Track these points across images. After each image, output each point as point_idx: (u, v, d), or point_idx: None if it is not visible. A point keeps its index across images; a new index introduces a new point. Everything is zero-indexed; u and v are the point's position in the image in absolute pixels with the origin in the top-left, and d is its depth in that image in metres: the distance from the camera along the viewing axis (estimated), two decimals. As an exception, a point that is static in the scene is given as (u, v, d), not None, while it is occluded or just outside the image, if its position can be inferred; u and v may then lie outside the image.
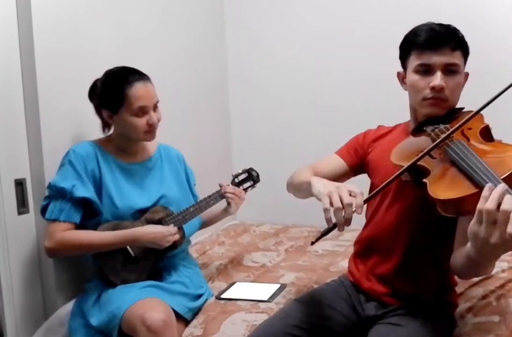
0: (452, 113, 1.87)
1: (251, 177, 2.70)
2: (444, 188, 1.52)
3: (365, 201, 1.64)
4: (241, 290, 2.54)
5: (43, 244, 2.27)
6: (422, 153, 1.63)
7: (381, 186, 1.64)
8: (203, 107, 3.71)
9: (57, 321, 2.34)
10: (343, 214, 1.59)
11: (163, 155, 2.58)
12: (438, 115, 1.85)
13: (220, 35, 3.98)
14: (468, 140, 1.69)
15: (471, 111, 1.85)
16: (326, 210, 1.62)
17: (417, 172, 1.67)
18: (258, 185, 2.75)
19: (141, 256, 2.36)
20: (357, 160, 2.12)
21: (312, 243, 1.75)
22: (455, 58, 1.81)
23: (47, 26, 2.37)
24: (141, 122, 2.30)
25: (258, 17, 3.96)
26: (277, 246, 3.26)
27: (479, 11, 3.41)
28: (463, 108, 1.90)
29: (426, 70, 1.82)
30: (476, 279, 2.37)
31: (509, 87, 1.57)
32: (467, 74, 1.91)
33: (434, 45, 1.79)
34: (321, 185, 1.75)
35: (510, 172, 1.41)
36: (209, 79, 3.82)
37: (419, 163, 1.65)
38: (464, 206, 1.44)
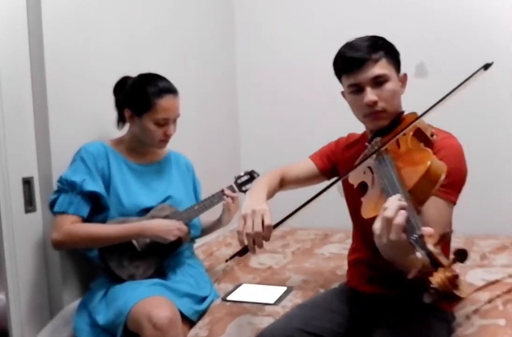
0: (396, 120, 1.88)
1: (253, 179, 2.71)
2: (370, 207, 1.57)
3: (274, 227, 1.72)
4: (248, 292, 2.53)
5: (50, 237, 2.28)
6: (343, 177, 1.77)
7: (299, 207, 1.71)
8: (212, 108, 3.72)
9: (63, 320, 2.35)
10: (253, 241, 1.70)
11: (173, 161, 2.64)
12: (384, 126, 1.88)
13: (230, 35, 3.98)
14: (399, 147, 1.73)
15: (412, 113, 1.87)
16: (238, 232, 1.74)
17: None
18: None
19: (147, 252, 2.37)
20: (329, 166, 2.24)
21: (226, 260, 1.86)
22: (380, 68, 1.83)
23: (56, 23, 2.38)
24: (159, 131, 2.39)
25: (268, 17, 3.96)
26: (284, 248, 3.26)
27: (481, 11, 3.42)
28: (403, 112, 1.92)
29: (357, 89, 1.86)
30: (481, 284, 2.38)
31: (445, 97, 1.70)
32: (404, 76, 1.94)
33: (355, 64, 1.83)
34: (246, 204, 1.83)
35: (411, 187, 1.48)
36: (218, 79, 3.83)
37: (362, 180, 1.75)
38: None
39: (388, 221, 1.34)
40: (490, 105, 3.45)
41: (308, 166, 2.25)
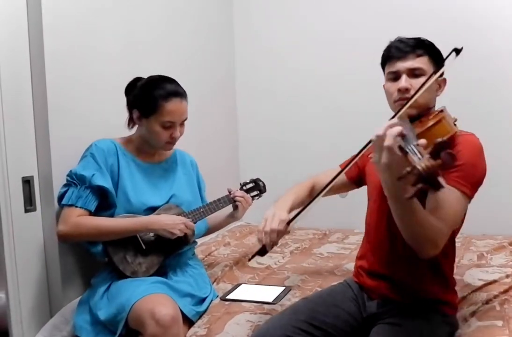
0: (420, 113, 1.93)
1: (258, 186, 2.82)
2: None
3: (288, 223, 1.96)
4: (246, 292, 2.54)
5: (56, 229, 2.30)
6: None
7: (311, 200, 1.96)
8: (211, 110, 3.72)
9: (63, 318, 2.36)
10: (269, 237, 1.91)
11: (179, 159, 2.67)
12: (410, 114, 1.90)
13: (229, 38, 3.99)
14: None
15: (440, 110, 1.93)
16: (258, 231, 1.96)
17: None
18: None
19: (151, 250, 2.40)
20: (357, 173, 2.27)
21: (249, 260, 2.08)
22: (420, 63, 1.92)
23: (57, 27, 2.38)
24: (165, 134, 2.41)
25: (266, 21, 3.97)
26: (283, 248, 3.27)
27: (474, 14, 3.43)
28: (431, 108, 1.99)
29: (395, 77, 1.96)
30: (479, 284, 2.40)
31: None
32: (444, 80, 2.01)
33: (398, 53, 1.95)
34: (270, 210, 2.02)
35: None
36: (217, 82, 3.83)
37: None
38: None
39: (380, 140, 1.50)
40: (491, 106, 3.46)
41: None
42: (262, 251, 1.95)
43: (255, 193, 2.80)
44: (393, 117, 1.80)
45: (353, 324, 1.99)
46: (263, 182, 2.81)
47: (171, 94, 2.39)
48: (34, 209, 2.34)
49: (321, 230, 3.66)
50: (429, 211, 1.72)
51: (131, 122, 2.52)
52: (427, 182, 1.28)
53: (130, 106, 2.47)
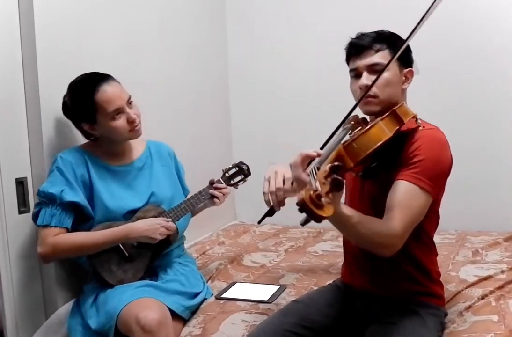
0: (386, 109, 1.88)
1: (242, 171, 2.66)
2: None
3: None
4: (241, 290, 2.54)
5: (37, 251, 2.24)
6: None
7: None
8: (205, 107, 3.73)
9: (57, 321, 2.34)
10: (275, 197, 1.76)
11: (153, 152, 2.56)
12: (374, 111, 1.93)
13: (222, 35, 3.99)
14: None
15: (400, 105, 1.86)
16: (264, 194, 1.80)
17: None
18: (258, 184, 2.75)
19: (135, 255, 2.36)
20: None
21: (259, 222, 1.96)
22: (379, 58, 1.92)
23: (49, 27, 2.37)
24: (121, 123, 2.28)
25: (260, 18, 3.96)
26: (277, 247, 3.27)
27: (476, 15, 3.44)
28: (395, 104, 1.91)
29: (356, 75, 1.97)
30: (474, 279, 2.40)
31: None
32: (409, 71, 1.98)
33: (356, 50, 1.97)
34: (269, 169, 1.87)
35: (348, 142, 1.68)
36: (211, 79, 3.83)
37: None
38: None
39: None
40: (491, 106, 3.47)
41: None
42: (271, 212, 1.83)
43: (239, 178, 2.65)
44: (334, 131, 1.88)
45: (344, 323, 1.98)
46: (246, 165, 2.66)
47: (93, 85, 2.24)
48: (28, 211, 2.32)
49: (316, 228, 3.65)
50: (387, 209, 1.75)
51: (88, 135, 2.40)
52: (303, 211, 1.29)
53: (76, 124, 2.37)
